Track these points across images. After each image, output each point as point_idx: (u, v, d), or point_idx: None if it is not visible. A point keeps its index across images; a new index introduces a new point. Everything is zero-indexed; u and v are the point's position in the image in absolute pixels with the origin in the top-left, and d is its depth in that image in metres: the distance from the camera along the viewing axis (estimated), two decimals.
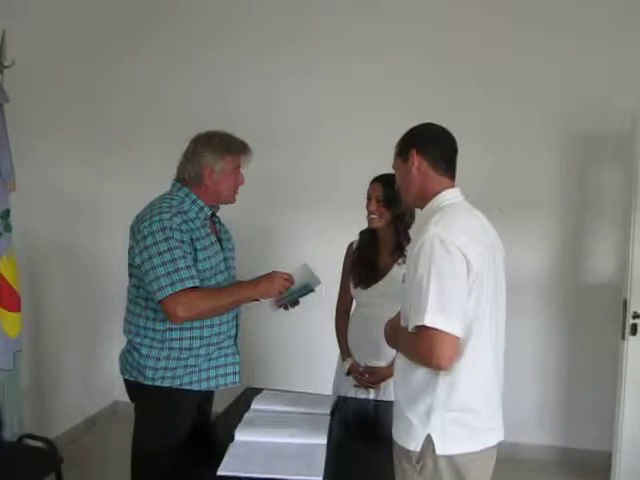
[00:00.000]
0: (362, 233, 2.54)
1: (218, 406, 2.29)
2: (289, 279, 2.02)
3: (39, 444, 2.73)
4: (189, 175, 2.02)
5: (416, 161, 1.65)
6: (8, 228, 2.77)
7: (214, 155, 2.00)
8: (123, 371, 2.07)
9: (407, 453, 1.57)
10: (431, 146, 1.66)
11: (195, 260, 1.94)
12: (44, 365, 3.52)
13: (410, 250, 1.61)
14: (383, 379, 2.39)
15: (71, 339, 3.75)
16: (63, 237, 3.67)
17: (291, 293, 2.05)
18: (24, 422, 2.85)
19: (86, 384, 3.92)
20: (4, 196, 2.74)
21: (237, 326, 2.15)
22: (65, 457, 2.68)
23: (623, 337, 2.98)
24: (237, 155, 2.04)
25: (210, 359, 2.03)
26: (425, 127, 1.72)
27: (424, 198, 1.66)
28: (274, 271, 2.06)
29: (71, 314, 3.73)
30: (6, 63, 2.74)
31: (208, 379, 2.04)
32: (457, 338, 1.47)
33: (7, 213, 2.76)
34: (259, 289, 2.00)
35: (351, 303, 2.59)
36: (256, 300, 2.08)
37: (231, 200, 2.10)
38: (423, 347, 1.48)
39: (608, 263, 3.53)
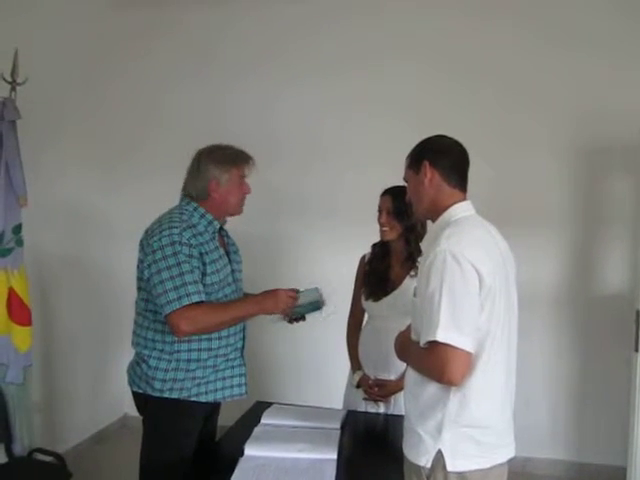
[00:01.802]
0: (374, 245, 2.54)
1: (227, 419, 2.29)
2: (294, 296, 2.02)
3: (49, 458, 2.74)
4: (196, 191, 2.04)
5: (428, 173, 1.64)
6: (20, 243, 2.79)
7: (218, 167, 2.02)
8: (131, 383, 2.08)
9: (417, 469, 1.56)
10: (444, 158, 1.65)
11: (204, 274, 1.95)
12: (54, 379, 3.53)
13: (421, 264, 1.60)
14: (392, 393, 2.38)
15: (81, 353, 3.76)
16: (72, 251, 3.69)
17: (297, 308, 2.05)
18: (34, 436, 2.85)
19: (96, 398, 3.92)
20: (16, 211, 2.77)
21: (244, 338, 2.15)
22: (75, 471, 2.68)
23: (636, 349, 2.94)
24: (241, 166, 2.06)
25: (217, 371, 2.04)
26: (437, 139, 1.71)
27: (436, 211, 1.66)
28: (279, 288, 2.06)
29: (81, 328, 3.73)
30: (19, 80, 2.77)
31: (215, 390, 2.04)
32: (469, 354, 1.46)
33: (19, 228, 2.78)
34: (264, 306, 2.01)
35: (363, 315, 2.58)
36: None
37: (238, 212, 2.11)
38: (435, 363, 1.47)
39: (619, 275, 3.49)
